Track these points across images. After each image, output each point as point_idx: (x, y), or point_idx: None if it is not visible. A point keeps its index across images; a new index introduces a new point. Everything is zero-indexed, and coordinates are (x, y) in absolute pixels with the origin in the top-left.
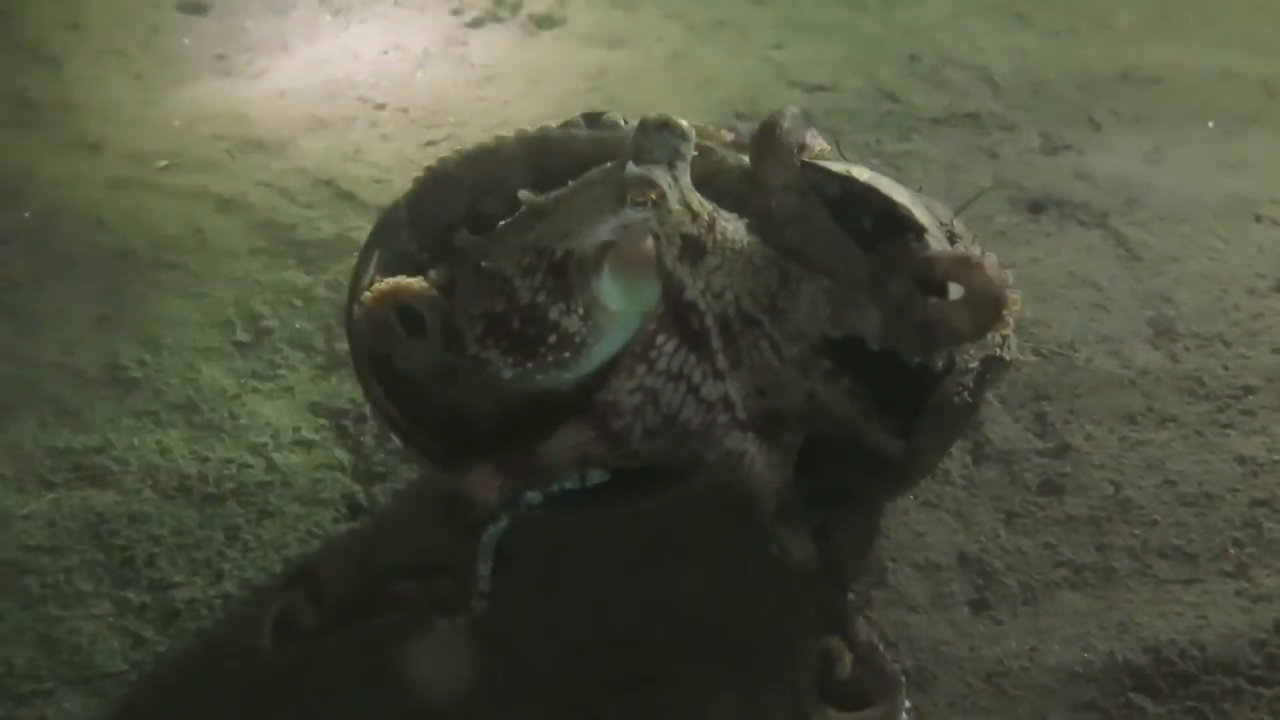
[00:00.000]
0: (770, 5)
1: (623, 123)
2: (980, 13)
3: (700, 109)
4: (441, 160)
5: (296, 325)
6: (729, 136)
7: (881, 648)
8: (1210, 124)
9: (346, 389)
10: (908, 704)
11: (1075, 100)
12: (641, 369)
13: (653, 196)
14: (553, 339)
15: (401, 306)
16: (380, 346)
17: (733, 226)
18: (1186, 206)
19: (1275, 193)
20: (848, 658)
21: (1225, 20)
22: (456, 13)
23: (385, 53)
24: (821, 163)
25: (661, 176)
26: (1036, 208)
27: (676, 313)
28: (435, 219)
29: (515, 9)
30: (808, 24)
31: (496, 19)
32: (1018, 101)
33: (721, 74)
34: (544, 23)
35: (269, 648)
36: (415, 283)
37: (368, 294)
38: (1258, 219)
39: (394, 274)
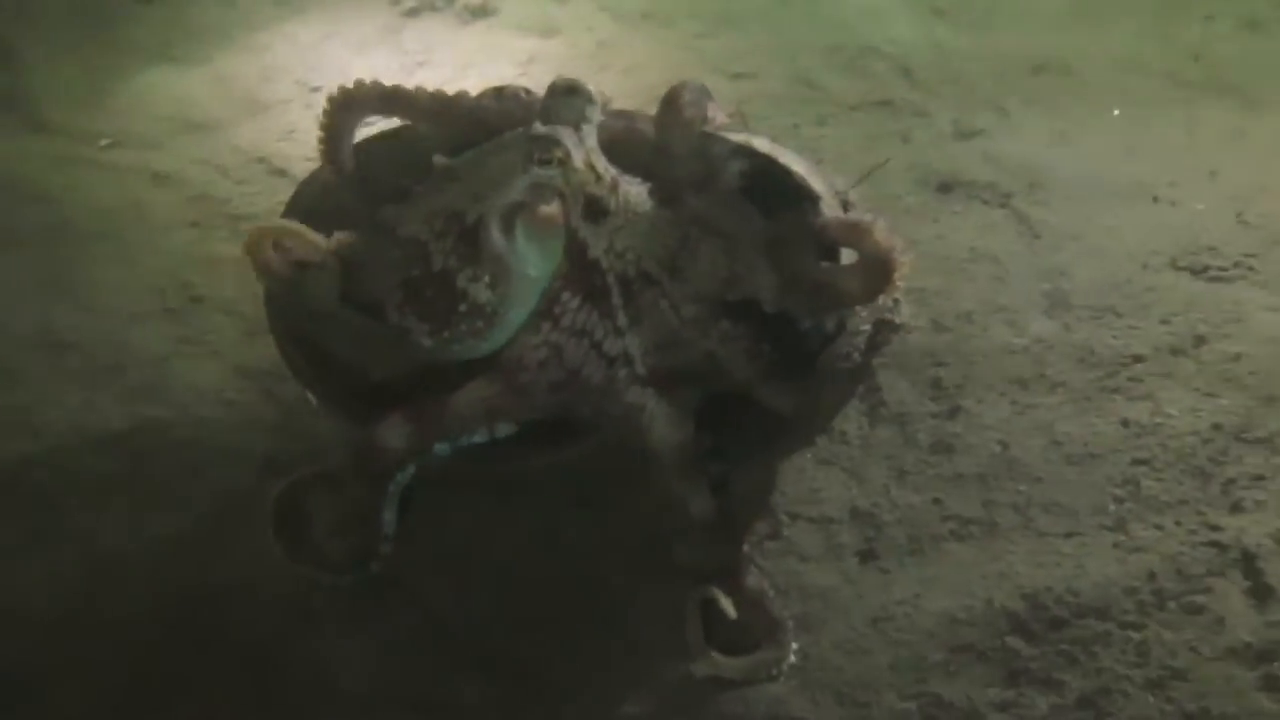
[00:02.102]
0: None
1: (524, 94)
2: (900, 6)
3: (626, 94)
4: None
5: (226, 294)
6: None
7: (771, 595)
8: (1116, 111)
9: (271, 353)
10: (795, 646)
11: (988, 89)
12: (546, 325)
13: (558, 155)
14: (463, 308)
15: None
16: (269, 286)
17: (635, 190)
18: (1087, 188)
19: (1174, 176)
20: (728, 603)
21: (1138, 13)
22: (395, 3)
23: (324, 40)
24: (722, 132)
25: (567, 137)
26: (944, 188)
27: (580, 271)
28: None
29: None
30: (732, 15)
31: (433, 9)
32: (932, 90)
33: (647, 62)
34: (478, 13)
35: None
36: (294, 227)
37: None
38: (1155, 200)
39: None
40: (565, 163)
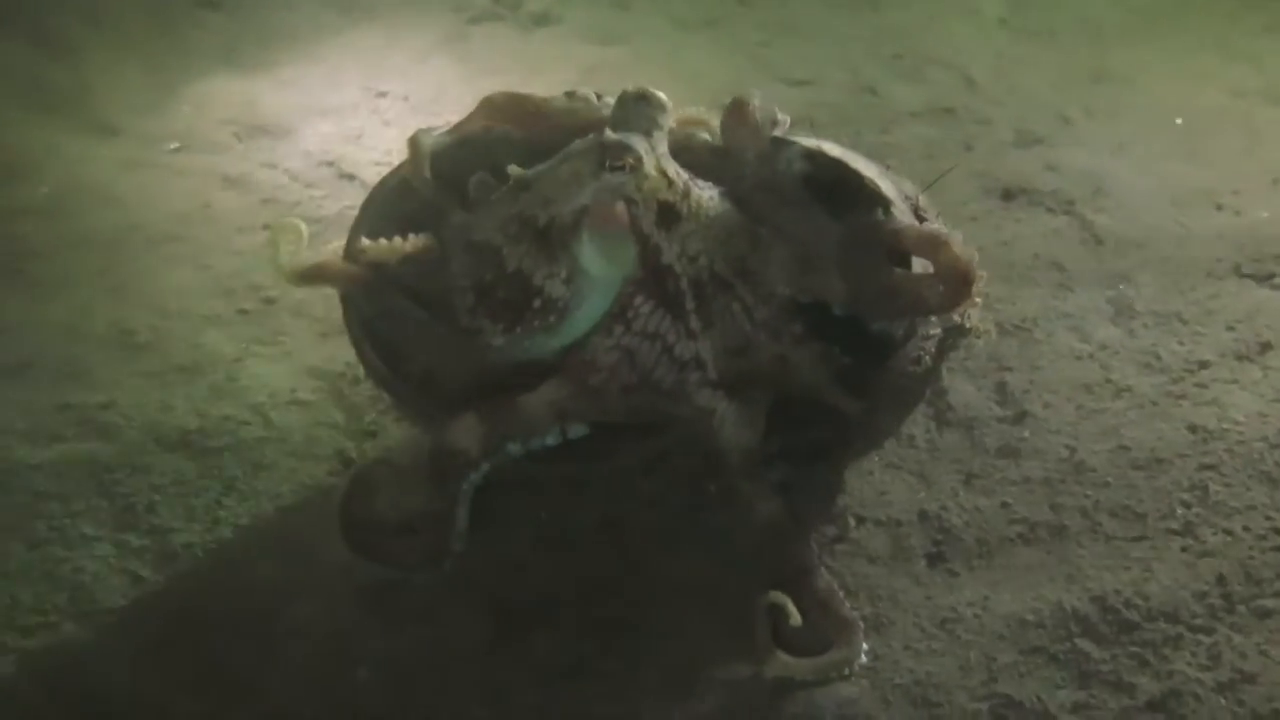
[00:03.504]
0: (759, 6)
1: (595, 98)
2: (963, 15)
3: (688, 101)
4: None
5: (297, 295)
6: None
7: (840, 595)
8: (1178, 121)
9: (343, 354)
10: (865, 647)
11: (1049, 98)
12: (619, 328)
13: (630, 161)
14: (537, 303)
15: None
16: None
17: (707, 195)
18: (1150, 196)
19: (1237, 184)
20: (793, 609)
21: (1198, 26)
22: (458, 10)
23: (388, 46)
24: (792, 138)
25: (639, 143)
26: (1008, 195)
27: (653, 275)
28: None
29: (515, 7)
30: (794, 24)
31: (496, 16)
32: (994, 98)
33: (710, 69)
34: (541, 20)
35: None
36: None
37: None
38: (1219, 208)
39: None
40: (637, 169)
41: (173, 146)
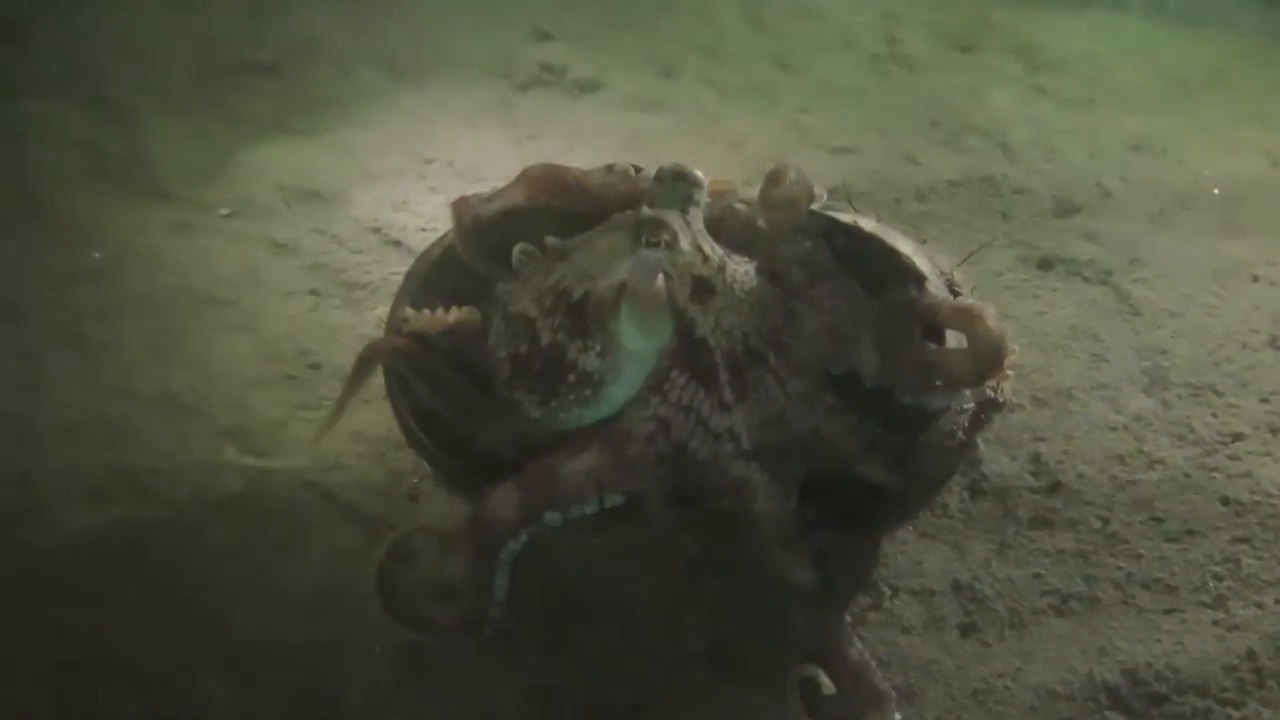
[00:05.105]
0: (800, 73)
1: (633, 171)
2: (1000, 83)
3: (730, 168)
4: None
5: (343, 360)
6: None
7: (873, 665)
8: (1215, 191)
9: (386, 419)
10: (897, 717)
11: (1087, 167)
12: (655, 400)
13: (665, 238)
14: (572, 377)
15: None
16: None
17: (742, 269)
18: (1187, 267)
19: (1274, 256)
20: (823, 679)
21: (1235, 95)
22: (505, 76)
23: (436, 112)
24: (828, 211)
25: (674, 220)
26: (1045, 265)
27: (688, 349)
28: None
29: (561, 74)
30: (834, 91)
31: (543, 83)
32: (1032, 167)
33: (751, 136)
34: (587, 87)
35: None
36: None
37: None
38: (1255, 279)
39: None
40: (672, 245)
41: (224, 212)
